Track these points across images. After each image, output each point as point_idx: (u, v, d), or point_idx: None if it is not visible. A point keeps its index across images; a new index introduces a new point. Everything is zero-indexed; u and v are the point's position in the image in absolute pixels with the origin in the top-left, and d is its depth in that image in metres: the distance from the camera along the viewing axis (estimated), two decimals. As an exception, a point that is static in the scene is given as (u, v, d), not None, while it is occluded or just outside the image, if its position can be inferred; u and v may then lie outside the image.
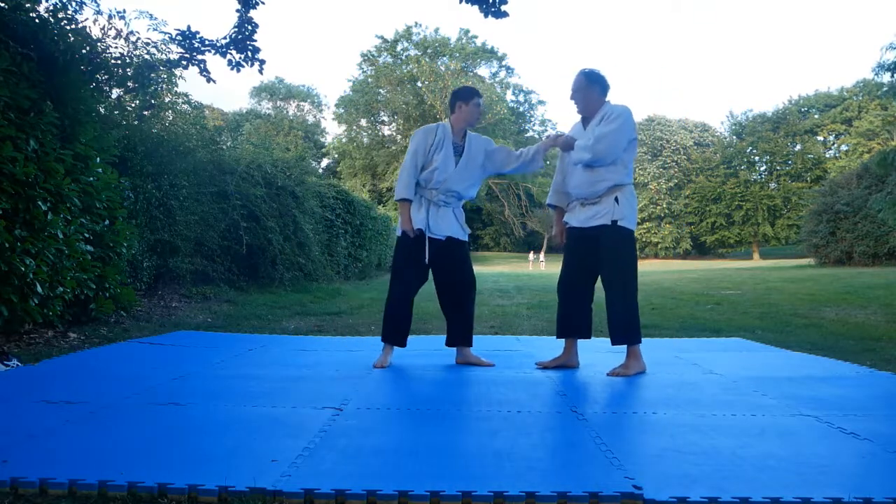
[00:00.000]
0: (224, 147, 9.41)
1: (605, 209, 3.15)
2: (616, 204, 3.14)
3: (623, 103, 3.21)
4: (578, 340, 3.41)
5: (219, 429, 2.12)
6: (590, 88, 3.22)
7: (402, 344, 3.43)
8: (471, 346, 3.48)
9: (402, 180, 3.36)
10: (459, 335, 3.46)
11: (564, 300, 3.35)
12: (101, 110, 5.41)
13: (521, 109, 53.96)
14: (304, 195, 9.99)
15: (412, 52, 47.42)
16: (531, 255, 41.71)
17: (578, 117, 3.36)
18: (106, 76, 5.05)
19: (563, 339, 3.38)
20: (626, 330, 3.17)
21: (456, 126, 3.44)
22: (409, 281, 3.39)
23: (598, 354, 3.65)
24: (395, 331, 3.39)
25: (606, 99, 3.25)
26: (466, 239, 3.51)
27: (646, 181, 48.21)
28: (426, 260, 3.32)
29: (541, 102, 54.86)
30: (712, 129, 51.61)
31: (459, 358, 3.46)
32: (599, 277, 3.26)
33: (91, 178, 4.43)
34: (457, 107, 3.43)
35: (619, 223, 3.13)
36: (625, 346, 3.22)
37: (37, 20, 4.17)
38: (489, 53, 49.34)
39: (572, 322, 3.32)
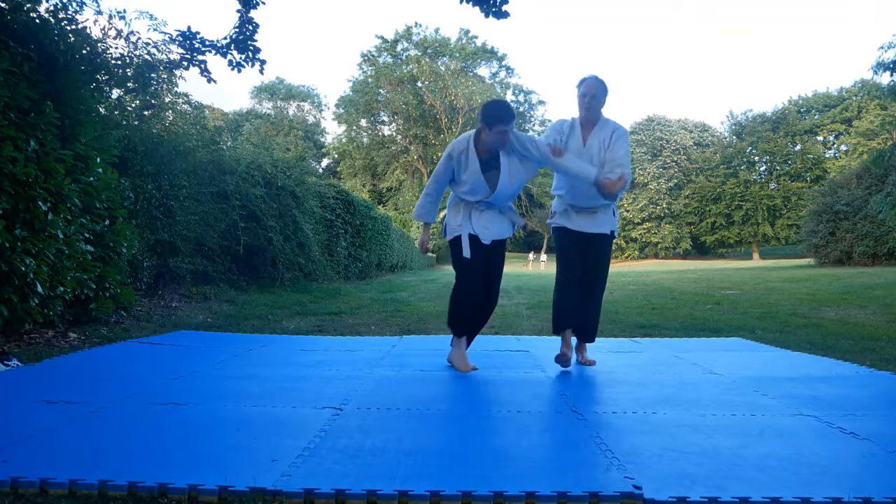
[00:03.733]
0: (224, 147, 9.40)
1: (605, 219, 3.32)
2: (613, 216, 3.36)
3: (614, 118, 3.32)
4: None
5: (219, 429, 2.12)
6: (603, 97, 3.25)
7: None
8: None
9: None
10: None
11: (570, 295, 3.35)
12: (102, 110, 5.41)
13: (522, 109, 53.93)
14: (304, 195, 9.98)
15: (412, 53, 47.45)
16: (531, 255, 41.76)
17: (566, 115, 3.41)
18: (106, 76, 5.04)
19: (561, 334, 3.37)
20: (596, 329, 3.50)
21: (481, 146, 3.20)
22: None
23: (599, 354, 3.65)
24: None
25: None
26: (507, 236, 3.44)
27: (646, 181, 48.21)
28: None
29: (541, 102, 54.87)
30: (712, 129, 51.61)
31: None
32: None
33: (91, 179, 4.43)
34: (482, 128, 3.17)
35: (614, 233, 3.38)
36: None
37: (37, 21, 4.17)
38: (489, 53, 49.37)
39: (575, 315, 3.36)
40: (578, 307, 3.35)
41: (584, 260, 3.34)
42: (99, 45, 4.90)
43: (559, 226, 3.40)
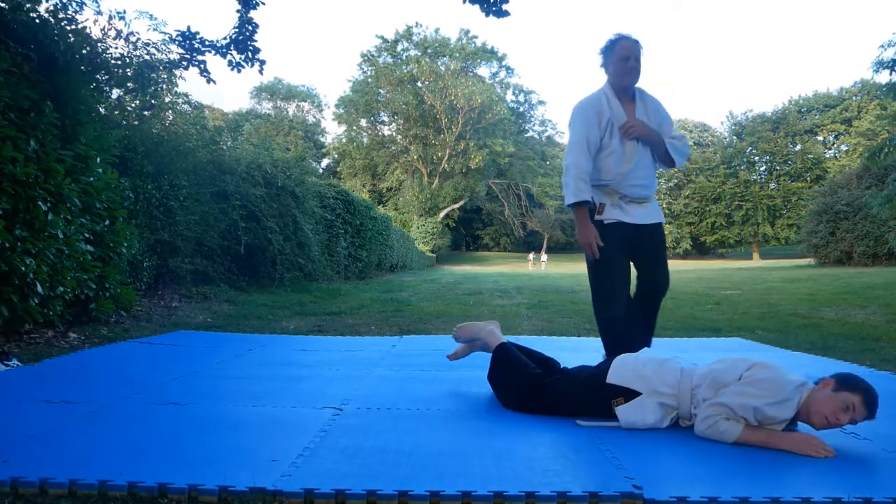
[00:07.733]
0: (224, 147, 9.40)
1: (656, 208, 3.02)
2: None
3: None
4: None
5: (219, 429, 2.11)
6: None
7: None
8: None
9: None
10: None
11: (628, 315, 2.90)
12: (102, 110, 5.41)
13: (522, 109, 53.99)
14: (304, 195, 9.99)
15: (412, 53, 47.49)
16: (531, 255, 41.81)
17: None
18: (106, 76, 5.05)
19: None
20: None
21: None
22: None
23: (598, 355, 3.64)
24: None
25: None
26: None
27: (646, 181, 48.20)
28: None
29: (541, 102, 54.90)
30: (712, 129, 51.72)
31: None
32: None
33: (91, 179, 4.43)
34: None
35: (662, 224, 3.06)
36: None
37: (37, 21, 4.18)
38: (489, 53, 49.40)
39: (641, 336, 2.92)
40: (638, 322, 2.92)
41: (643, 258, 2.93)
42: (99, 45, 4.90)
43: (615, 220, 2.87)
